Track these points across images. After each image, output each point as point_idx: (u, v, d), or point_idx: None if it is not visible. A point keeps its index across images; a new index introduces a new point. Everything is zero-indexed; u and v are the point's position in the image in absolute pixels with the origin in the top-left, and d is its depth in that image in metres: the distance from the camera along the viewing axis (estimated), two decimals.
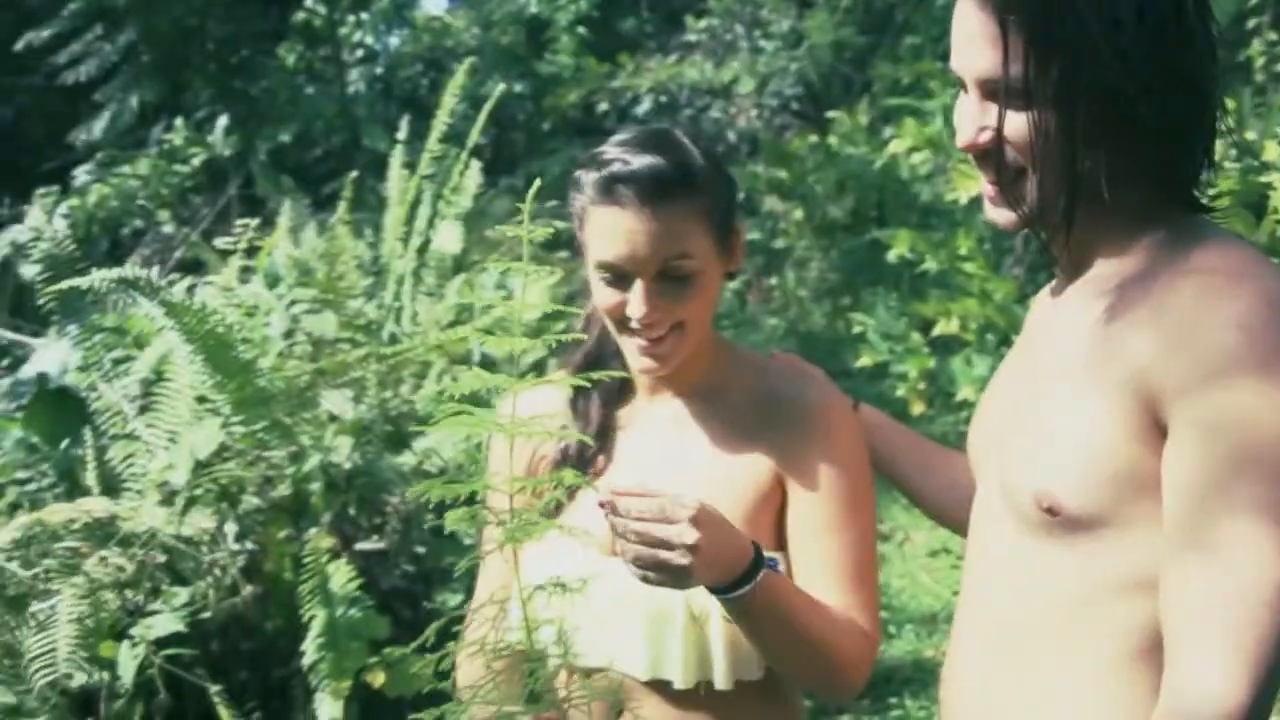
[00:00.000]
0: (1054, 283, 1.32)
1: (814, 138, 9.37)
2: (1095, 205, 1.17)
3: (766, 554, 1.40)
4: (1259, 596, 1.02)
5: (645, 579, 1.34)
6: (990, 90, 1.17)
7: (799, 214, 9.48)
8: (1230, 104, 1.25)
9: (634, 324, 1.45)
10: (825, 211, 9.14)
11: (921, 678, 4.10)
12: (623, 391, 1.60)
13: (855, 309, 6.78)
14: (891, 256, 5.61)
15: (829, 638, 1.44)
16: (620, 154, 1.43)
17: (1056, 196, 1.17)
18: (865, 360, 5.55)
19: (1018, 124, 1.16)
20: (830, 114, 9.30)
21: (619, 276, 1.45)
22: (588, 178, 1.44)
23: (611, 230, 1.43)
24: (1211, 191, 1.23)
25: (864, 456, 1.55)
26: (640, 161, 1.42)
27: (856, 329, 5.97)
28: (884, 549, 5.47)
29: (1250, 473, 1.04)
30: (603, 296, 1.47)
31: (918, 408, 5.59)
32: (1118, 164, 1.15)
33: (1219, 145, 1.22)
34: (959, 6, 1.18)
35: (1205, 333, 1.08)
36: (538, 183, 1.43)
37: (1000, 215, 1.22)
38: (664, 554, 1.31)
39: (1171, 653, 1.06)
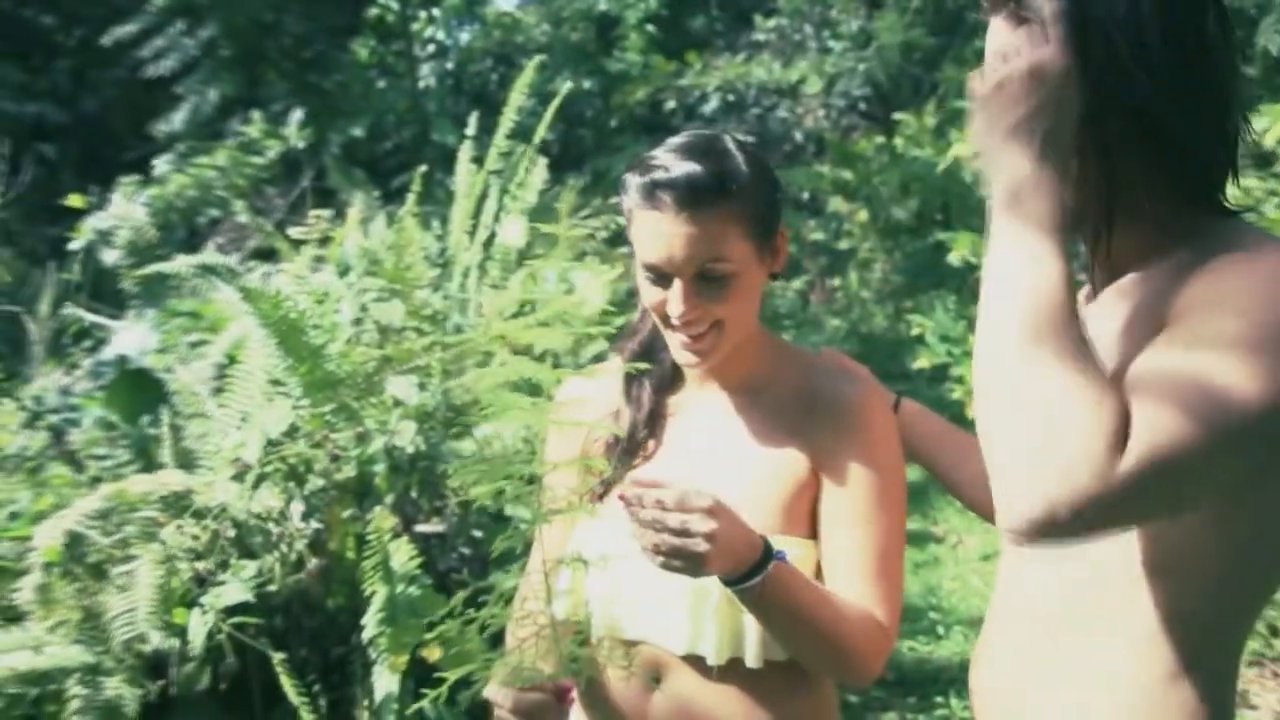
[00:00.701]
0: (1086, 289, 1.37)
1: (880, 139, 9.36)
2: (1128, 215, 1.23)
3: (775, 547, 1.47)
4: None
5: (664, 565, 1.41)
6: None
7: (864, 215, 9.47)
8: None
9: (674, 321, 1.54)
10: (890, 213, 9.13)
11: (966, 679, 4.13)
12: (674, 379, 1.68)
13: (916, 311, 6.78)
14: (953, 259, 5.62)
15: (839, 629, 1.51)
16: (664, 160, 1.51)
17: (1092, 207, 1.23)
18: (923, 362, 5.57)
19: None
20: (897, 116, 9.29)
21: (660, 276, 1.53)
22: (633, 181, 1.53)
23: (652, 233, 1.51)
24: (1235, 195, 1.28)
25: (897, 454, 1.62)
26: (680, 169, 1.49)
27: (915, 331, 5.99)
28: (936, 551, 5.50)
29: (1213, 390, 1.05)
30: (647, 295, 1.56)
31: (973, 411, 5.59)
32: (1148, 175, 1.21)
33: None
34: (991, 27, 1.24)
35: (1220, 283, 1.11)
36: (572, 188, 1.52)
37: None
38: (682, 540, 1.38)
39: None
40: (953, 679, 4.15)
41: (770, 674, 1.55)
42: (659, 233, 1.50)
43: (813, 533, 1.59)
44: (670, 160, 1.51)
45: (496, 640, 1.49)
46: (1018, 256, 1.09)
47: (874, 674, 1.56)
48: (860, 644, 1.53)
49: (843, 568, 1.56)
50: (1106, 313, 1.26)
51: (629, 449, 1.65)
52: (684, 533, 1.38)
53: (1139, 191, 1.21)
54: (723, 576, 1.45)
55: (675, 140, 1.57)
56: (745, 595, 1.46)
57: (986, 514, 1.65)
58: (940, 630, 4.62)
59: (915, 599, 4.86)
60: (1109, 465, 1.00)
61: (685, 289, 1.51)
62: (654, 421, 1.67)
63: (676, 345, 1.57)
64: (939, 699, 4.04)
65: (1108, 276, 1.29)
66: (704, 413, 1.66)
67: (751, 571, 1.44)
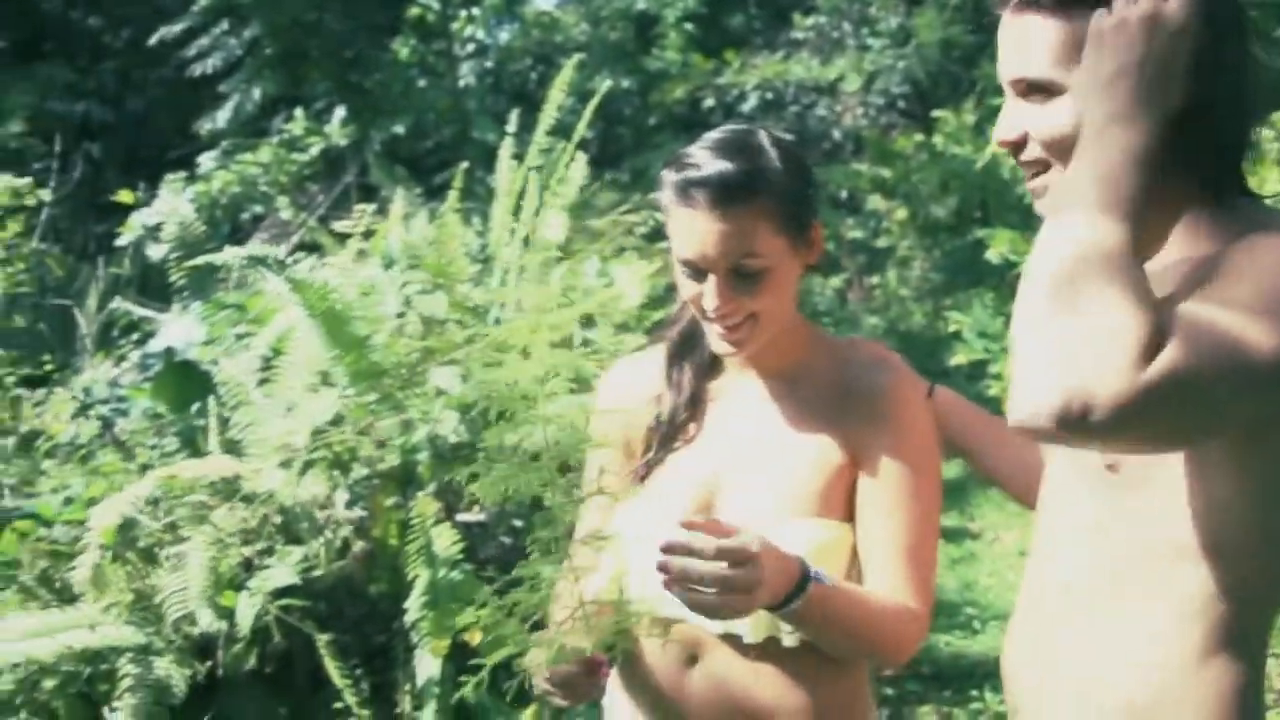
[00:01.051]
0: None
1: (919, 137, 9.34)
2: (1152, 198, 1.26)
3: (812, 569, 1.50)
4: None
5: (708, 616, 1.44)
6: (1029, 89, 1.26)
7: (902, 213, 9.45)
8: None
9: (709, 314, 1.58)
10: (929, 211, 9.11)
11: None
12: (714, 366, 1.72)
13: (955, 309, 6.78)
14: (992, 257, 5.61)
15: (873, 627, 1.56)
16: (698, 158, 1.56)
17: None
18: (960, 358, 5.57)
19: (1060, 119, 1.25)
20: (936, 113, 9.26)
21: (696, 271, 1.57)
22: (668, 179, 1.58)
23: (686, 230, 1.56)
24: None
25: (932, 442, 1.65)
26: (713, 167, 1.54)
27: (953, 327, 5.99)
28: (973, 547, 5.51)
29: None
30: (685, 288, 1.61)
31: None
32: (1172, 157, 1.24)
33: None
34: (1012, 20, 1.27)
35: (1254, 256, 1.15)
36: (612, 183, 1.57)
37: (1042, 205, 1.31)
38: (725, 598, 1.40)
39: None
40: (988, 673, 4.16)
41: (806, 652, 1.59)
42: (693, 230, 1.54)
43: (849, 516, 1.62)
44: (704, 158, 1.55)
45: (538, 624, 1.53)
46: (1095, 179, 1.13)
47: (906, 658, 1.61)
48: (892, 635, 1.57)
49: (877, 554, 1.60)
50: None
51: (669, 432, 1.69)
52: (735, 586, 1.40)
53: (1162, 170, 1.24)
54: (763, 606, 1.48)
55: (710, 136, 1.61)
56: (783, 616, 1.51)
57: (1024, 499, 1.68)
58: (976, 625, 4.63)
59: (951, 594, 4.88)
60: (1134, 368, 1.04)
61: (719, 284, 1.55)
62: (694, 405, 1.71)
63: (714, 336, 1.61)
64: (974, 692, 4.05)
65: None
66: (743, 399, 1.69)
67: (788, 599, 1.48)
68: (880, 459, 1.60)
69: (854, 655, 1.62)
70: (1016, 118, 1.29)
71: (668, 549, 1.41)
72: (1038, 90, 1.25)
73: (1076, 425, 1.04)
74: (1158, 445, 1.15)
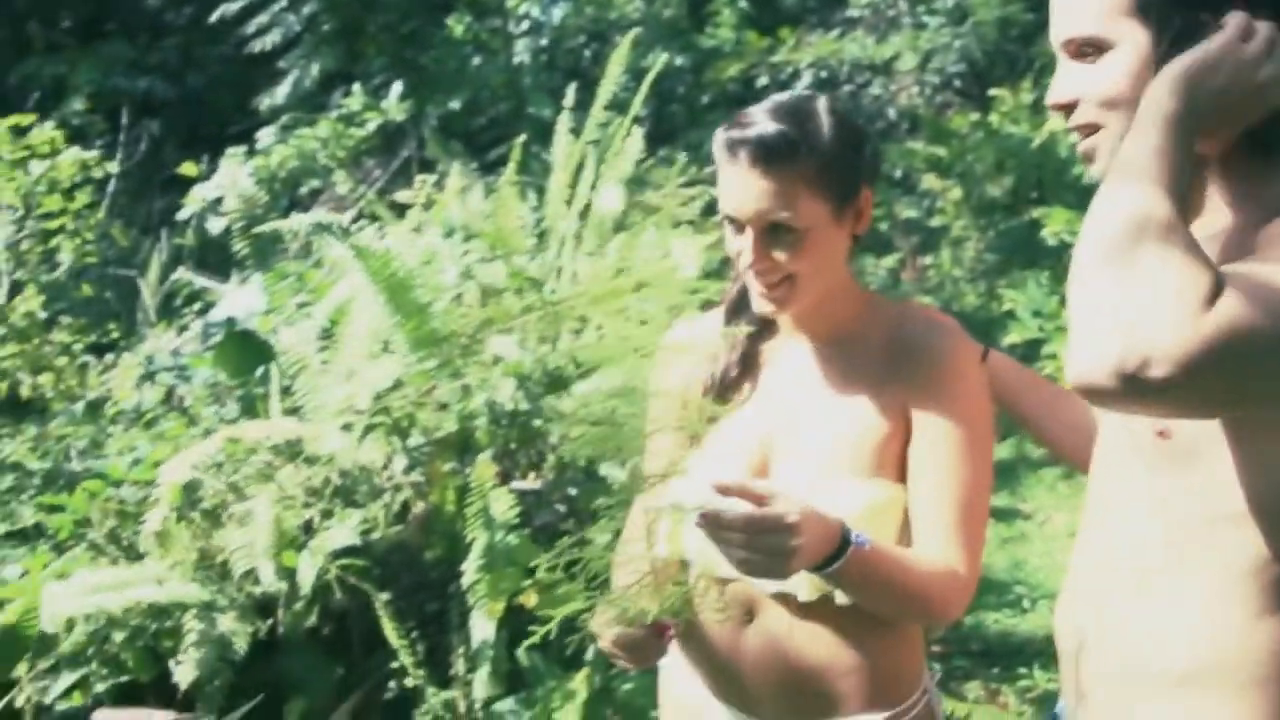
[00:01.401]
0: None
1: (975, 116, 9.26)
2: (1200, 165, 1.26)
3: (853, 533, 1.52)
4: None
5: (749, 574, 1.48)
6: (1080, 48, 1.27)
7: (957, 193, 9.38)
8: None
9: (744, 269, 1.63)
10: (983, 190, 9.03)
11: (1052, 652, 4.13)
12: (769, 329, 1.75)
13: (1009, 289, 6.73)
14: (1047, 236, 5.57)
15: (917, 591, 1.58)
16: (750, 117, 1.61)
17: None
18: (1014, 337, 5.54)
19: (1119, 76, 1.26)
20: (993, 92, 9.17)
21: (736, 226, 1.62)
22: (719, 136, 1.63)
23: (729, 185, 1.61)
24: None
25: (986, 404, 1.67)
26: (759, 127, 1.58)
27: (1007, 306, 5.95)
28: (1024, 527, 5.48)
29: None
30: (728, 243, 1.66)
31: (1066, 388, 5.54)
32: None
33: None
34: None
35: None
36: (669, 158, 1.61)
37: (1094, 168, 1.32)
38: (767, 558, 1.44)
39: None
40: (1037, 651, 4.16)
41: (859, 611, 1.62)
42: (734, 185, 1.60)
43: (902, 478, 1.64)
44: (755, 117, 1.60)
45: (598, 585, 1.57)
46: (1153, 152, 1.15)
47: (952, 619, 1.64)
48: (938, 597, 1.59)
49: (927, 514, 1.62)
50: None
51: (722, 390, 1.72)
52: (769, 550, 1.43)
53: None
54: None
55: (770, 100, 1.65)
56: (823, 577, 1.53)
57: (1076, 461, 1.69)
58: (1025, 604, 4.62)
59: (1001, 573, 4.87)
60: (1193, 323, 1.04)
61: (756, 239, 1.60)
62: (747, 363, 1.74)
63: (754, 294, 1.65)
64: (1022, 670, 4.05)
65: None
66: (796, 362, 1.72)
67: (828, 561, 1.50)
68: (933, 420, 1.62)
69: (898, 616, 1.64)
70: (1069, 79, 1.30)
71: (700, 522, 1.45)
72: (1089, 48, 1.27)
73: (1135, 381, 1.05)
74: (1214, 407, 1.15)
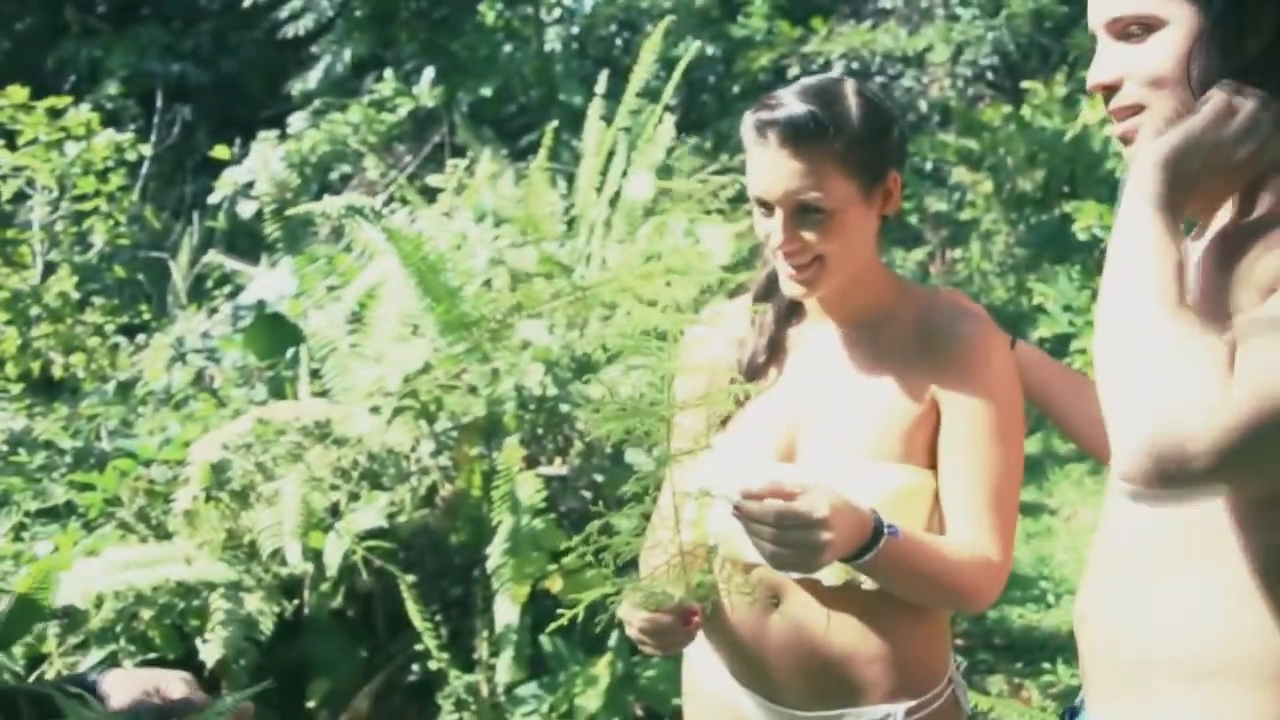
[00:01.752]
0: (1190, 234, 1.39)
1: (1007, 108, 9.19)
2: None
3: (886, 523, 1.52)
4: None
5: (781, 568, 1.48)
6: (1127, 28, 1.26)
7: (987, 186, 9.32)
8: None
9: (773, 250, 1.62)
10: (1015, 184, 8.97)
11: (1074, 646, 4.13)
12: (796, 312, 1.75)
13: (1038, 283, 6.68)
14: (1079, 231, 5.53)
15: (949, 578, 1.58)
16: (779, 98, 1.61)
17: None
18: (1044, 331, 5.51)
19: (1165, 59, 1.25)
20: (1025, 84, 9.11)
21: (765, 208, 1.62)
22: (749, 118, 1.63)
23: (758, 166, 1.61)
24: None
25: (1016, 391, 1.66)
26: (788, 108, 1.58)
27: (1037, 300, 5.91)
28: (1050, 522, 5.46)
29: None
30: (758, 225, 1.66)
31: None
32: None
33: None
34: None
35: None
36: (697, 145, 1.60)
37: (1130, 151, 1.31)
38: (798, 552, 1.44)
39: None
40: (1060, 646, 4.14)
41: (885, 598, 1.61)
42: (763, 166, 1.60)
43: (931, 464, 1.64)
44: (785, 98, 1.60)
45: (624, 570, 1.57)
46: (1147, 234, 1.17)
47: (986, 604, 1.62)
48: (970, 585, 1.59)
49: (958, 501, 1.61)
50: (1214, 260, 1.28)
51: (751, 373, 1.72)
52: (799, 545, 1.43)
53: None
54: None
55: (801, 81, 1.65)
56: (858, 567, 1.53)
57: (1101, 454, 1.67)
58: (1050, 599, 4.60)
59: (1026, 568, 4.84)
60: (1220, 415, 1.04)
61: (785, 220, 1.60)
62: (774, 348, 1.73)
63: (783, 276, 1.65)
64: (1046, 665, 4.04)
65: (1207, 216, 1.32)
66: (824, 346, 1.72)
67: (861, 551, 1.50)
68: (963, 407, 1.62)
69: (930, 604, 1.64)
70: (1112, 59, 1.29)
71: (735, 513, 1.45)
72: (1138, 26, 1.25)
73: (1178, 477, 1.06)
74: (1266, 474, 1.13)
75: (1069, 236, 6.60)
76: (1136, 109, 1.28)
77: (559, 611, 1.60)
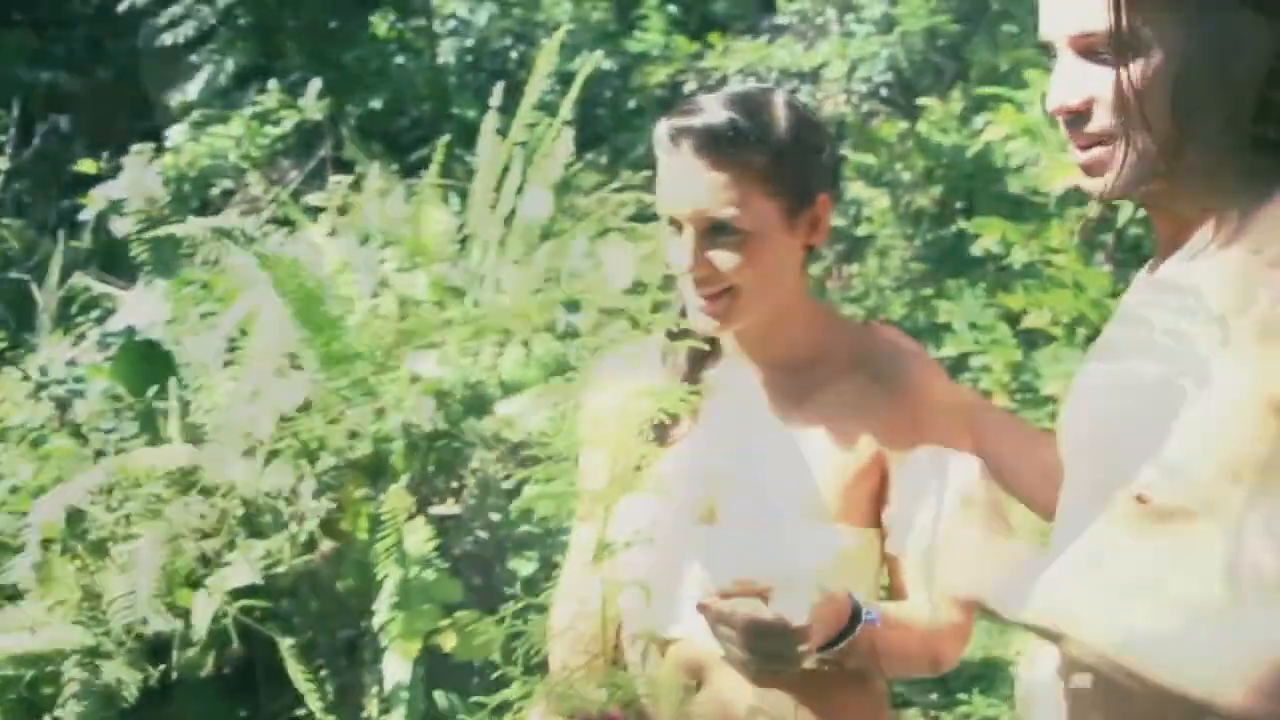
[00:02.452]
0: (1151, 262, 1.25)
1: (904, 124, 9.24)
2: (1193, 172, 1.12)
3: (864, 609, 1.39)
4: None
5: (753, 679, 1.36)
6: (1097, 46, 1.12)
7: (884, 201, 9.36)
8: None
9: (682, 273, 1.45)
10: (912, 199, 9.02)
11: (990, 675, 4.08)
12: (714, 354, 1.57)
13: (938, 299, 6.68)
14: (976, 249, 5.51)
15: (921, 650, 1.46)
16: (697, 104, 1.44)
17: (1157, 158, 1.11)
18: (950, 349, 5.46)
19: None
20: (922, 101, 9.16)
21: (676, 226, 1.45)
22: (661, 125, 1.46)
23: (669, 179, 1.44)
24: None
25: (965, 438, 1.51)
26: (706, 114, 1.41)
27: (942, 318, 5.88)
28: None
29: None
30: (669, 251, 1.48)
31: (1000, 401, 5.49)
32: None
33: None
34: None
35: None
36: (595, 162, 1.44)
37: (1095, 184, 1.17)
38: (774, 664, 1.32)
39: None
40: (976, 676, 4.07)
41: (819, 674, 1.45)
42: (674, 176, 1.43)
43: (874, 520, 1.48)
44: (703, 104, 1.43)
45: (518, 636, 1.39)
46: None
47: (951, 667, 1.51)
48: (941, 653, 1.47)
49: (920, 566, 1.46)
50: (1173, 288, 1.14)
51: (660, 425, 1.53)
52: (773, 655, 1.30)
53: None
54: None
55: (723, 91, 1.48)
56: (821, 654, 1.40)
57: (1038, 510, 1.54)
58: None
59: None
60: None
61: (695, 241, 1.42)
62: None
63: (692, 308, 1.47)
64: (962, 695, 3.98)
65: (1169, 237, 1.18)
66: (746, 391, 1.55)
67: (832, 643, 1.39)
68: (913, 455, 1.46)
69: (897, 676, 1.53)
70: (1079, 81, 1.13)
71: (700, 611, 1.32)
72: (1119, 45, 1.09)
73: None
74: None
75: (966, 252, 6.60)
76: (1104, 139, 1.13)
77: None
